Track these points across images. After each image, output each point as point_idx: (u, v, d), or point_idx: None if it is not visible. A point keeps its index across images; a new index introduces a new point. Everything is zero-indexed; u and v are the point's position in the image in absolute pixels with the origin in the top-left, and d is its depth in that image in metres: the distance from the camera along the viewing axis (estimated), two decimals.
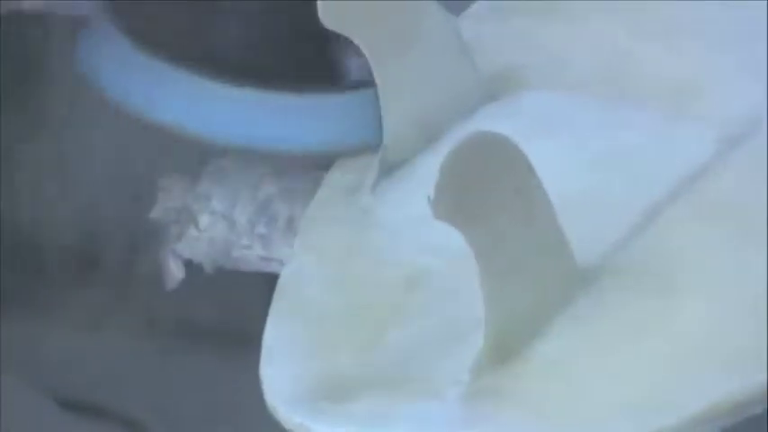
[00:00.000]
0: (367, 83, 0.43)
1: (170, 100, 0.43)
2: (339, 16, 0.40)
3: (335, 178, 0.44)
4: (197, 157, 0.44)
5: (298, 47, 0.44)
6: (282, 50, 0.45)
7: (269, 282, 0.39)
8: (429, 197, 0.30)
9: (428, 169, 0.32)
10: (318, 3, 0.40)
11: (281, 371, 0.36)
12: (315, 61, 0.45)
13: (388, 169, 0.43)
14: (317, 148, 0.44)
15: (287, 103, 0.43)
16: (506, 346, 0.33)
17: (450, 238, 0.32)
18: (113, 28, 0.44)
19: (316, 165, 0.44)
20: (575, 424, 0.32)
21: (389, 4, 0.42)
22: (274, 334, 0.37)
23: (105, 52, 0.44)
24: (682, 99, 0.44)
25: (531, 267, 0.34)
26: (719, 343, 0.34)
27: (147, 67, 0.43)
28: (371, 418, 0.33)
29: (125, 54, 0.43)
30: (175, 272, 0.44)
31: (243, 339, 0.39)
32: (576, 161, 0.41)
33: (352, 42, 0.42)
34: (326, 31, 0.40)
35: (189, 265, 0.43)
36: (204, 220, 0.43)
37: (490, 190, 0.32)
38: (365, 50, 0.42)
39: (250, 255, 0.42)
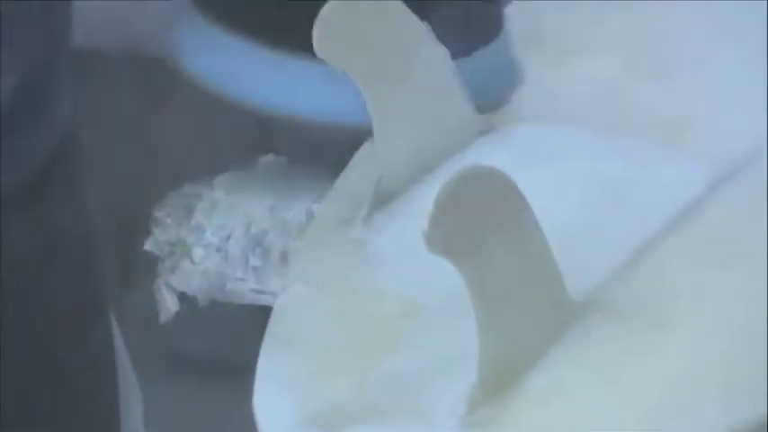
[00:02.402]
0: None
1: (243, 73, 0.46)
2: (334, 49, 0.41)
3: (328, 210, 0.44)
4: (192, 190, 0.44)
5: None
6: None
7: (262, 314, 0.39)
8: (423, 230, 0.30)
9: (422, 202, 0.32)
10: (314, 34, 0.40)
11: (275, 401, 0.36)
12: None
13: (382, 201, 0.43)
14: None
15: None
16: (501, 378, 0.34)
17: (444, 271, 0.32)
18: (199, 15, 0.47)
19: (309, 197, 0.44)
20: None
21: (384, 38, 0.42)
22: (268, 365, 0.37)
23: (191, 37, 0.48)
24: (674, 133, 0.45)
25: (525, 299, 0.34)
26: (712, 374, 0.34)
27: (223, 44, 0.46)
28: None
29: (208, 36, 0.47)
30: (169, 304, 0.44)
31: (236, 371, 0.38)
32: (569, 193, 0.41)
33: None
34: None
35: (183, 297, 0.44)
36: (198, 252, 0.44)
37: (484, 223, 0.32)
38: (359, 83, 0.42)
39: (244, 287, 0.43)
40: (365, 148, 0.46)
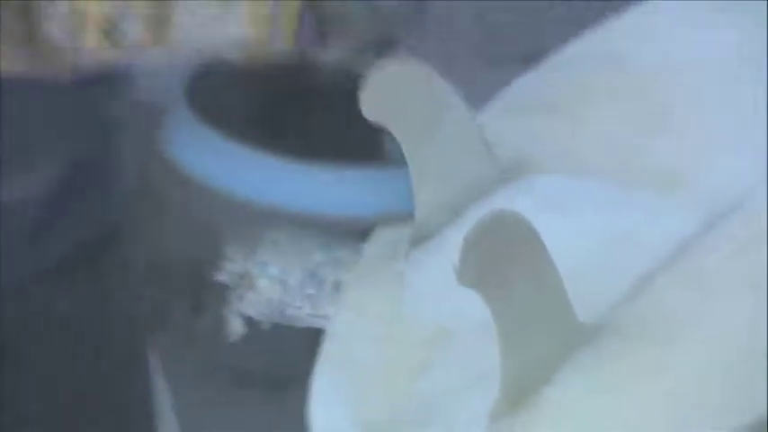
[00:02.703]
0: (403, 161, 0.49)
1: (241, 174, 0.50)
2: (379, 110, 0.47)
3: (374, 249, 0.49)
4: (256, 230, 0.50)
5: (348, 130, 0.51)
6: (336, 132, 0.52)
7: (317, 335, 0.45)
8: (454, 266, 0.36)
9: (453, 242, 0.37)
10: (361, 97, 0.46)
11: (326, 414, 0.42)
12: (361, 142, 0.51)
13: (420, 240, 0.48)
14: (363, 214, 0.50)
15: (340, 176, 0.50)
16: (520, 393, 0.38)
17: (472, 301, 0.37)
18: (191, 113, 0.51)
19: (358, 236, 0.50)
20: None
21: (420, 102, 0.48)
22: (322, 380, 0.42)
23: (185, 134, 0.52)
24: (674, 183, 0.49)
25: (540, 325, 0.38)
26: (715, 386, 0.38)
27: (222, 147, 0.50)
28: None
29: (202, 135, 0.51)
30: (237, 327, 0.49)
31: (293, 384, 0.44)
32: (581, 235, 0.46)
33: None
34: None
35: (249, 321, 0.49)
36: (263, 283, 0.49)
37: (506, 260, 0.37)
38: (399, 139, 0.48)
39: (301, 312, 0.48)
40: None
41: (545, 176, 0.50)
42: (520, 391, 0.38)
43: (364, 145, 0.51)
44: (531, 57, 0.58)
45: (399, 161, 0.48)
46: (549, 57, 0.58)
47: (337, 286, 0.48)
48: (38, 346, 0.60)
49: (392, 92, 0.47)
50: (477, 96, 0.53)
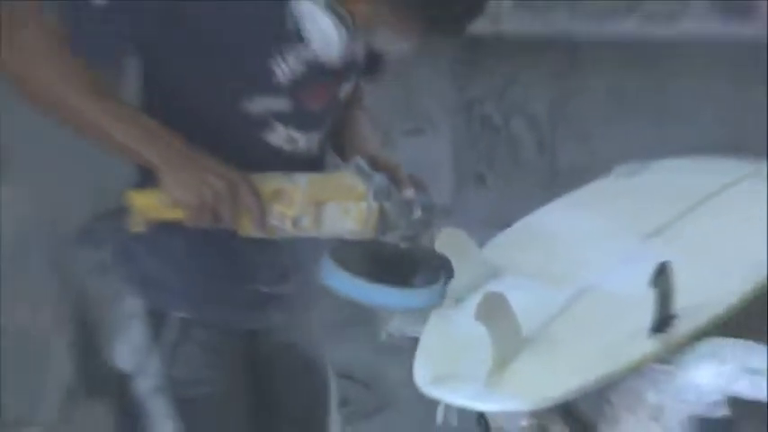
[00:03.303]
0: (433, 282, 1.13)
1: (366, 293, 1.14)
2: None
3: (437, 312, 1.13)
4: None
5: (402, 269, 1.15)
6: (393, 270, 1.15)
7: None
8: (474, 315, 0.98)
9: (472, 304, 1.00)
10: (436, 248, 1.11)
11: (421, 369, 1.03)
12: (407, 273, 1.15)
13: (456, 302, 1.12)
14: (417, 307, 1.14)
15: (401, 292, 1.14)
16: (504, 363, 0.99)
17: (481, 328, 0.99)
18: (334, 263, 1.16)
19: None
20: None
21: (455, 249, 1.14)
22: (419, 358, 1.04)
23: (331, 275, 1.16)
24: (562, 281, 1.13)
25: (508, 335, 1.00)
26: None
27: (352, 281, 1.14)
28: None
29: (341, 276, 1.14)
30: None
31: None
32: (520, 302, 1.08)
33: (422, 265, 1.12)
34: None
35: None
36: None
37: (496, 310, 0.99)
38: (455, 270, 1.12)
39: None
40: None
41: (508, 277, 1.14)
42: (504, 360, 0.99)
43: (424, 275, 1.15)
44: None
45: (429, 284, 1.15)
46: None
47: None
48: None
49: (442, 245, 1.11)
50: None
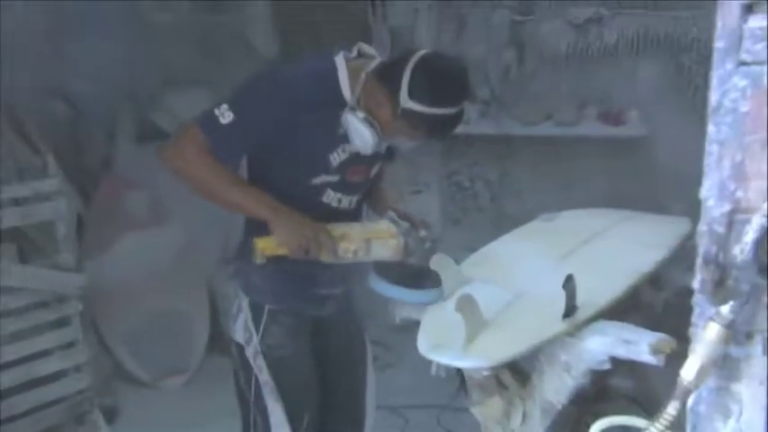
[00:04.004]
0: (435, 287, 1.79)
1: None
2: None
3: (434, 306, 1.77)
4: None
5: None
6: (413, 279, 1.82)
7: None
8: (455, 307, 1.61)
9: (453, 301, 1.64)
10: (431, 267, 1.74)
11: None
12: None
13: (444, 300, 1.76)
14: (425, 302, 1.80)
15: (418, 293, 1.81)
16: (473, 337, 1.62)
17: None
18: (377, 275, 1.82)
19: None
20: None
21: (443, 267, 1.77)
22: (422, 339, 1.65)
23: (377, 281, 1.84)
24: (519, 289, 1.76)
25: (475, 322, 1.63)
26: None
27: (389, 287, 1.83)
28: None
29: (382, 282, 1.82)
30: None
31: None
32: (485, 298, 1.70)
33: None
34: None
35: None
36: None
37: (466, 306, 1.62)
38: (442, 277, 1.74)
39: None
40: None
41: (476, 284, 1.79)
42: (474, 335, 1.62)
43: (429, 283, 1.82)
44: None
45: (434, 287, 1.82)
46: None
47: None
48: None
49: (434, 264, 1.77)
50: None
